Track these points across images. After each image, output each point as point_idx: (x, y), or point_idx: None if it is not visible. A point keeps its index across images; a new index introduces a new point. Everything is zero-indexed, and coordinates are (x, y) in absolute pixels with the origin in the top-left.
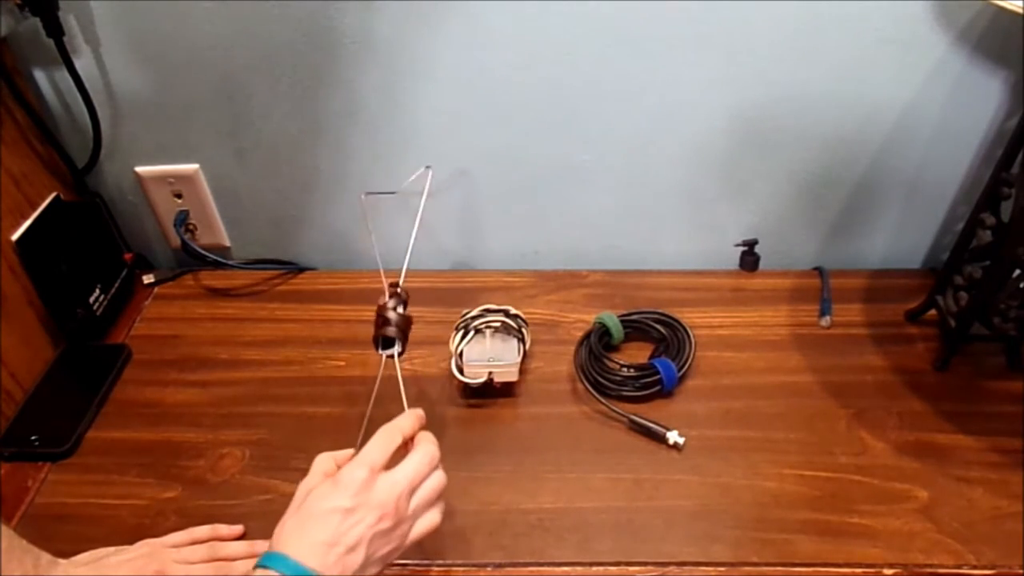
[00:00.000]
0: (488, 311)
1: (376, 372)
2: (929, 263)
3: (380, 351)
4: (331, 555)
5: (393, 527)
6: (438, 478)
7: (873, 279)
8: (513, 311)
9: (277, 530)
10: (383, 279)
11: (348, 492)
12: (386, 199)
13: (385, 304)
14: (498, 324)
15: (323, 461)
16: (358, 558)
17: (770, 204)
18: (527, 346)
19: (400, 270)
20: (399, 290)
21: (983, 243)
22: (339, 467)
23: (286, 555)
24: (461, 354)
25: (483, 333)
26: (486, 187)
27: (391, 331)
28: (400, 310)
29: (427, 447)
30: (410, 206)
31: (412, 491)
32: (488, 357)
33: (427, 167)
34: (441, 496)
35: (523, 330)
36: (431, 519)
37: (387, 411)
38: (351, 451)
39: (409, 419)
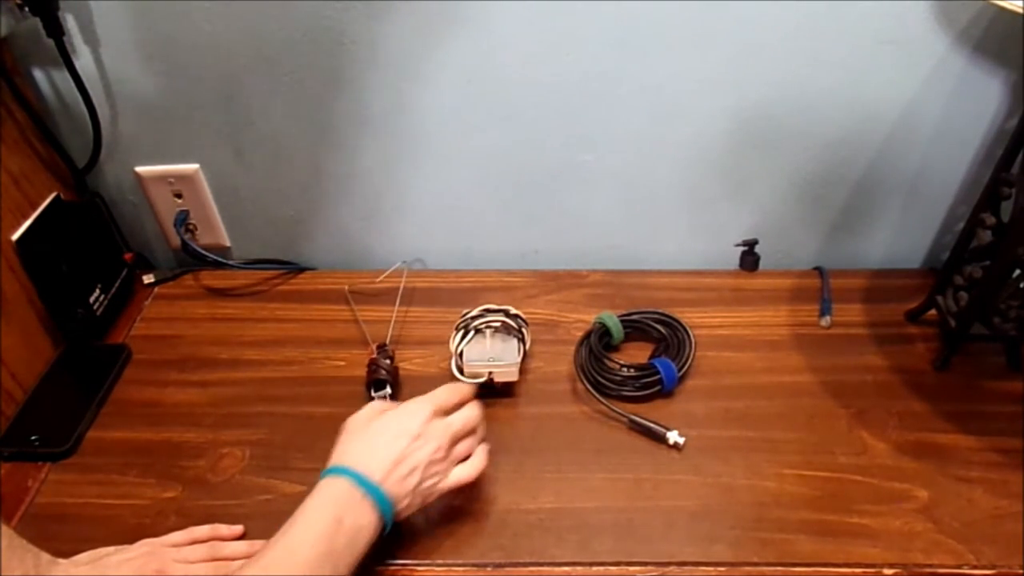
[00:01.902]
0: (488, 311)
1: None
2: (929, 263)
3: (373, 393)
4: (395, 472)
5: (441, 460)
6: (479, 438)
7: (873, 279)
8: (513, 311)
9: (337, 454)
10: (372, 346)
11: (417, 421)
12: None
13: (376, 358)
14: (498, 324)
15: (377, 403)
16: (413, 480)
17: (770, 204)
18: (527, 346)
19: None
20: (386, 346)
21: (983, 243)
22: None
23: (351, 467)
24: (461, 354)
25: (483, 333)
26: (486, 187)
27: (382, 374)
28: (388, 362)
29: (476, 409)
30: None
31: (457, 440)
32: (488, 357)
33: (403, 262)
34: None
35: (523, 330)
36: (466, 471)
37: None
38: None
39: (469, 387)
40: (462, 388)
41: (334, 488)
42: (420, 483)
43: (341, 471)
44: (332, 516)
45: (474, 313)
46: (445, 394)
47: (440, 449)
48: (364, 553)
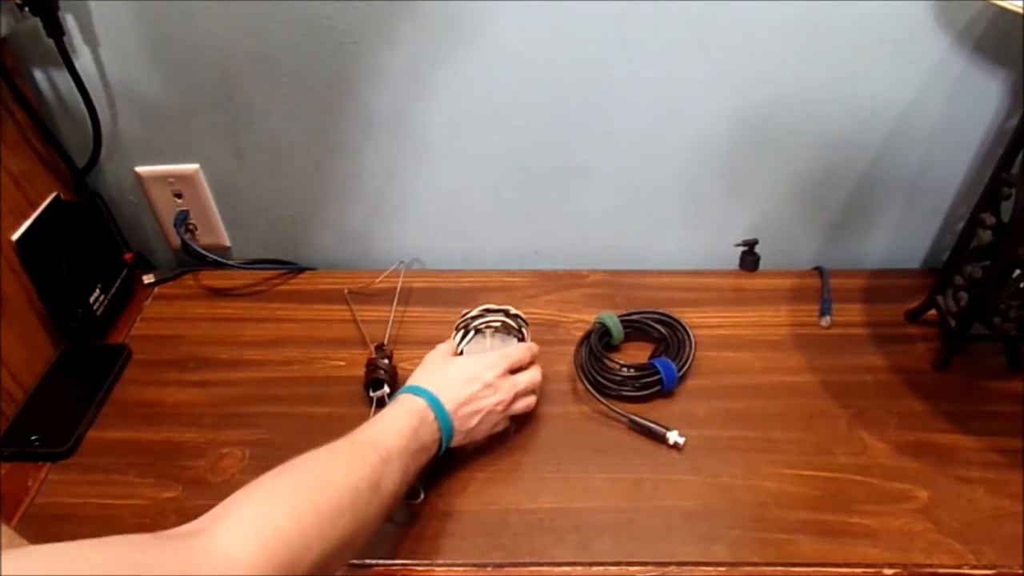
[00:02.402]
0: (488, 311)
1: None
2: (929, 263)
3: (371, 393)
4: (463, 409)
5: (501, 412)
6: (533, 397)
7: (873, 279)
8: (513, 311)
9: (417, 377)
10: (370, 347)
11: (493, 372)
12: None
13: (374, 358)
14: (498, 324)
15: (442, 347)
16: (472, 422)
17: (770, 204)
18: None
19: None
20: (384, 346)
21: (983, 243)
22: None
23: (430, 390)
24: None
25: (483, 333)
26: (486, 187)
27: (380, 374)
28: (386, 362)
29: (539, 372)
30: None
31: (518, 397)
32: None
33: (402, 262)
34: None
35: (523, 330)
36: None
37: None
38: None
39: (535, 349)
40: (532, 348)
41: (414, 402)
42: (477, 426)
43: (420, 392)
44: (410, 422)
45: (474, 313)
46: (519, 354)
47: (503, 403)
48: (421, 470)
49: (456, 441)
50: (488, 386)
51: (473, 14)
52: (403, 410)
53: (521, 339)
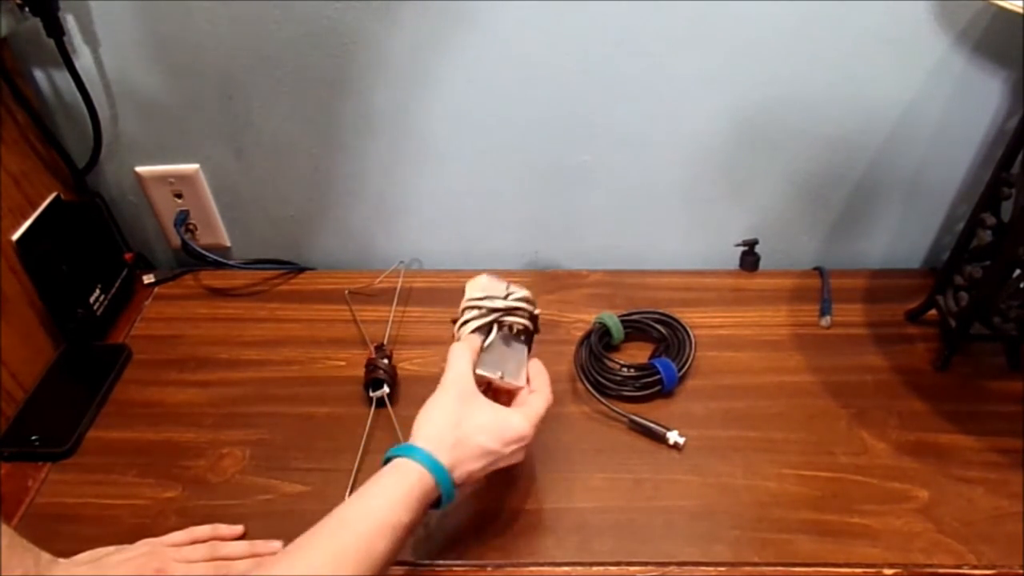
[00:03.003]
0: (514, 300)
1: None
2: (929, 263)
3: (371, 393)
4: (470, 480)
5: (514, 456)
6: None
7: (873, 279)
8: (536, 311)
9: (433, 421)
10: (370, 347)
11: (514, 446)
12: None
13: (374, 358)
14: (521, 326)
15: (466, 353)
16: (478, 476)
17: (770, 204)
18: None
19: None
20: (384, 346)
21: (983, 243)
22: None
23: (446, 466)
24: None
25: (505, 333)
26: (486, 187)
27: (380, 374)
28: (386, 362)
29: (549, 392)
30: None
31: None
32: (500, 372)
33: (401, 262)
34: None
35: (533, 336)
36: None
37: (380, 442)
38: (493, 341)
39: (545, 370)
40: (548, 399)
41: (422, 479)
42: (480, 477)
43: (432, 466)
44: (418, 503)
45: (498, 300)
46: (543, 406)
47: (514, 460)
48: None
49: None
50: (501, 457)
51: (473, 14)
52: (406, 485)
53: (530, 346)
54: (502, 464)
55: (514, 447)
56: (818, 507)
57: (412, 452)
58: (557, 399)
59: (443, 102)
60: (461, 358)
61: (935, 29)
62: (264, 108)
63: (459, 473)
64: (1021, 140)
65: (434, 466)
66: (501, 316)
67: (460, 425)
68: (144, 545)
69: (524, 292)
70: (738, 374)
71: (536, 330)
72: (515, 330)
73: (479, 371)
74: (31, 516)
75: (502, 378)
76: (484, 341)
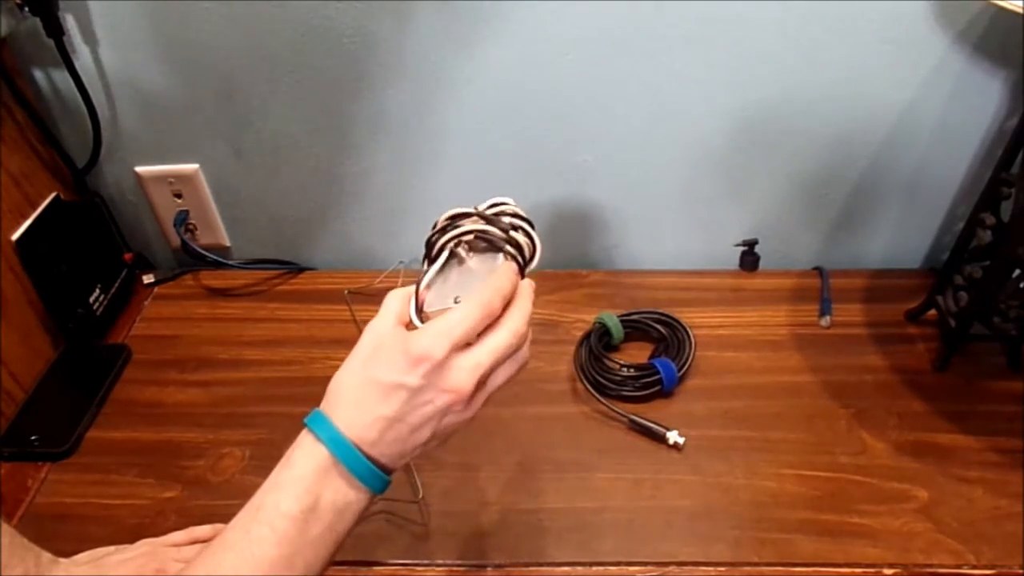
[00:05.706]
0: (462, 215)
1: None
2: (929, 263)
3: None
4: (391, 431)
5: (466, 406)
6: (524, 355)
7: (873, 279)
8: (505, 206)
9: (335, 383)
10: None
11: (420, 370)
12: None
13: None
14: (471, 237)
15: (396, 301)
16: (423, 435)
17: (770, 204)
18: (538, 248)
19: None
20: None
21: (983, 243)
22: (417, 314)
23: (332, 420)
24: (420, 309)
25: (456, 255)
26: (486, 187)
27: None
28: None
29: (515, 322)
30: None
31: (493, 369)
32: (455, 296)
33: (401, 262)
34: (521, 366)
35: (515, 231)
36: (504, 376)
37: None
38: (425, 284)
39: (509, 279)
40: (502, 288)
41: (315, 457)
42: (437, 433)
43: (319, 424)
44: (309, 496)
45: (442, 221)
46: (471, 321)
47: (458, 401)
48: (351, 528)
49: (402, 464)
50: (417, 391)
51: (472, 15)
52: (301, 473)
53: (515, 247)
54: (430, 409)
55: (423, 369)
56: (818, 507)
57: (309, 421)
58: (557, 399)
59: (443, 102)
60: (384, 306)
61: (934, 29)
62: (264, 108)
63: (362, 423)
64: (1021, 140)
65: (326, 428)
66: (439, 238)
67: (363, 372)
68: (144, 545)
69: (502, 200)
70: (738, 374)
71: (514, 224)
72: (467, 246)
73: (427, 310)
74: (31, 516)
75: (457, 301)
76: (429, 270)
